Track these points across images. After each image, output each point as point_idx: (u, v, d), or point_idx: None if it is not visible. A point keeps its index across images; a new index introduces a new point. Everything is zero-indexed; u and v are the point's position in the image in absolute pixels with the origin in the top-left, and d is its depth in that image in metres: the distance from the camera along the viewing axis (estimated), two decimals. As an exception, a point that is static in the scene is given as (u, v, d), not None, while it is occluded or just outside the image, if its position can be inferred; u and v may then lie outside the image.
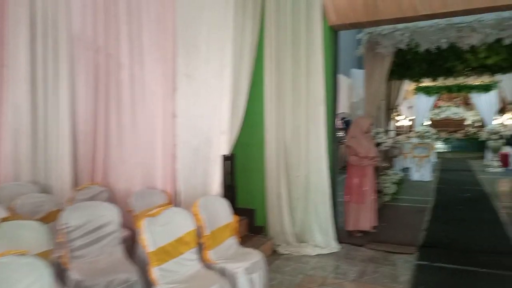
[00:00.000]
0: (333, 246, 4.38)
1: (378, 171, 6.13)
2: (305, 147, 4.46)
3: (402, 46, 6.23)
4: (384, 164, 7.80)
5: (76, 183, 4.32)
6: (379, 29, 6.32)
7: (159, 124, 3.89)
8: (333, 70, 4.60)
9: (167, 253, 2.63)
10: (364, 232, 4.87)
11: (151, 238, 2.58)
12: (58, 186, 4.28)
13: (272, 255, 4.27)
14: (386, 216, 5.67)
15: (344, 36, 9.21)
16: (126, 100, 4.08)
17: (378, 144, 6.53)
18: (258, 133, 4.63)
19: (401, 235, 4.89)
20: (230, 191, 4.03)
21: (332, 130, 4.66)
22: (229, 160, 3.88)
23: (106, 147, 4.26)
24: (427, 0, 3.81)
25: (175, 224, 2.79)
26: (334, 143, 4.76)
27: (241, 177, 4.68)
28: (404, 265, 3.92)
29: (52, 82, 4.31)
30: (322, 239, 4.40)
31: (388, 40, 6.32)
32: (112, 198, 4.04)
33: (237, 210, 4.18)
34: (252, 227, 4.60)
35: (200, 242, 2.94)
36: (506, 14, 5.29)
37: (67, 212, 2.95)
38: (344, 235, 4.77)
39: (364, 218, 4.86)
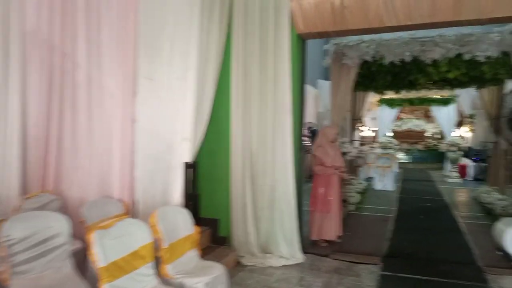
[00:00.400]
0: (298, 256, 4.29)
1: (344, 181, 6.15)
2: (272, 155, 4.37)
3: (368, 58, 6.31)
4: (351, 177, 7.88)
5: (25, 191, 3.99)
6: (345, 40, 6.39)
7: (117, 129, 3.67)
8: (300, 79, 4.57)
9: (120, 268, 2.43)
10: (329, 242, 4.83)
11: (102, 252, 2.37)
12: (5, 194, 3.92)
13: (236, 267, 4.13)
14: (351, 225, 5.67)
15: (311, 47, 9.26)
16: (82, 102, 3.83)
17: (344, 154, 6.55)
18: (223, 140, 4.50)
19: (365, 244, 4.89)
20: (192, 200, 3.86)
21: (298, 139, 4.61)
22: (191, 168, 3.72)
23: (59, 153, 3.97)
24: (393, 12, 3.85)
25: (130, 237, 2.59)
26: (301, 152, 4.70)
27: (205, 186, 4.54)
28: (369, 276, 3.88)
29: (0, 81, 3.98)
30: (287, 249, 4.30)
31: (354, 51, 6.38)
32: (64, 208, 3.76)
33: (199, 220, 4.03)
34: (215, 237, 4.44)
35: (158, 256, 2.75)
36: (466, 30, 5.48)
37: (10, 223, 2.67)
38: (309, 245, 4.71)
39: (329, 228, 4.83)
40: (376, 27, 4.00)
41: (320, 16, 4.15)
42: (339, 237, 4.94)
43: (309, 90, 11.88)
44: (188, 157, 3.60)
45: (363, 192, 8.08)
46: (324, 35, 4.46)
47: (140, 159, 3.61)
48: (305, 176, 9.13)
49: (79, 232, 3.29)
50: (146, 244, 2.64)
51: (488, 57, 5.41)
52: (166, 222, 2.91)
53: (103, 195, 3.71)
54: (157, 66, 3.61)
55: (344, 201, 6.27)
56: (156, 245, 2.75)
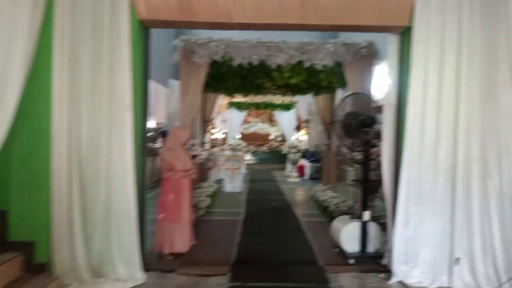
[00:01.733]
0: (139, 276, 3.71)
1: (194, 185, 5.84)
2: (107, 160, 3.70)
3: (217, 58, 6.14)
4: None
5: None
6: (195, 37, 6.12)
7: None
8: (143, 71, 4.02)
9: None
10: (176, 254, 4.40)
11: None
12: None
13: (58, 299, 3.33)
14: (200, 232, 5.34)
15: (162, 43, 8.62)
16: None
17: (194, 157, 6.22)
18: (43, 141, 3.61)
19: (214, 253, 4.64)
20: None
21: (141, 140, 4.04)
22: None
23: None
24: (241, 8, 3.68)
25: None
26: (144, 155, 4.15)
27: (16, 200, 3.61)
28: (217, 290, 3.61)
29: None
30: (126, 270, 3.69)
31: (204, 50, 6.13)
32: None
33: (7, 246, 3.12)
34: (30, 265, 3.51)
35: None
36: (307, 39, 5.82)
37: None
38: (153, 261, 4.19)
39: (181, 238, 4.44)
40: (225, 22, 3.77)
41: (165, 2, 3.69)
42: (192, 246, 4.58)
43: (160, 89, 11.28)
44: (-20, 165, 2.67)
45: (213, 195, 7.92)
46: (170, 25, 4.02)
47: None
48: (154, 181, 8.52)
49: None
50: None
51: (325, 66, 5.84)
52: None
53: None
54: None
55: (195, 206, 5.96)
56: None
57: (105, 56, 3.67)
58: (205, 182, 8.86)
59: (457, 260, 3.71)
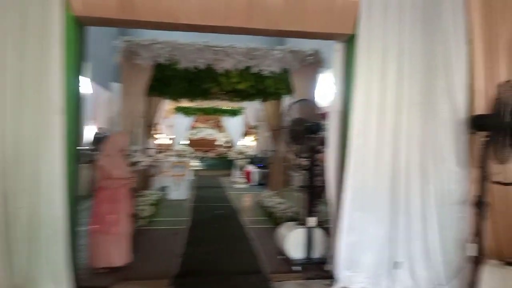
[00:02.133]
0: (69, 296, 3.40)
1: (135, 194, 5.52)
2: (33, 168, 3.36)
3: (162, 60, 5.92)
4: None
5: None
6: (138, 38, 5.86)
7: None
8: (76, 71, 3.72)
9: None
10: (113, 268, 4.08)
11: None
12: None
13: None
14: (141, 244, 5.05)
15: (103, 44, 8.15)
16: None
17: (133, 164, 5.90)
18: (-45, 147, 3.18)
19: (156, 266, 4.38)
20: None
21: (73, 146, 3.71)
22: None
23: None
24: (186, 8, 3.53)
25: None
26: (77, 162, 3.82)
27: None
28: (157, 306, 3.38)
29: None
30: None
31: (147, 51, 5.90)
32: None
33: None
34: None
35: None
36: (254, 45, 5.78)
37: None
38: (86, 277, 3.85)
39: (118, 251, 4.13)
40: (169, 22, 3.59)
41: (103, -1, 3.45)
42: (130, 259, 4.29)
43: (101, 92, 10.68)
44: None
45: (156, 203, 7.58)
46: (109, 23, 3.75)
47: None
48: (92, 190, 7.98)
49: None
50: None
51: (272, 72, 5.83)
52: None
53: None
54: None
55: (135, 216, 5.62)
56: None
57: (34, 54, 3.35)
58: (148, 189, 8.48)
59: (397, 264, 3.80)
